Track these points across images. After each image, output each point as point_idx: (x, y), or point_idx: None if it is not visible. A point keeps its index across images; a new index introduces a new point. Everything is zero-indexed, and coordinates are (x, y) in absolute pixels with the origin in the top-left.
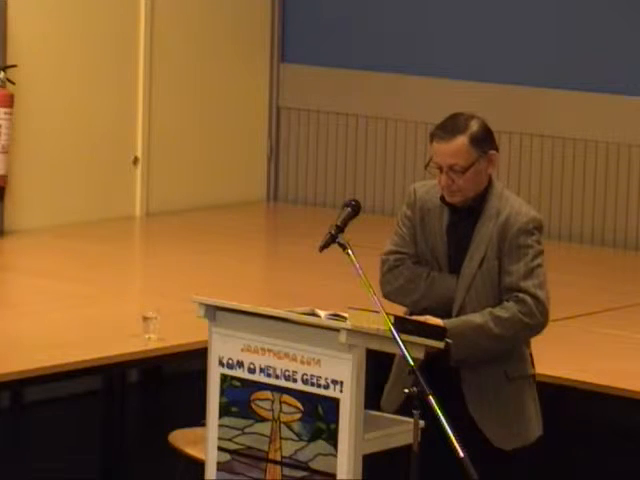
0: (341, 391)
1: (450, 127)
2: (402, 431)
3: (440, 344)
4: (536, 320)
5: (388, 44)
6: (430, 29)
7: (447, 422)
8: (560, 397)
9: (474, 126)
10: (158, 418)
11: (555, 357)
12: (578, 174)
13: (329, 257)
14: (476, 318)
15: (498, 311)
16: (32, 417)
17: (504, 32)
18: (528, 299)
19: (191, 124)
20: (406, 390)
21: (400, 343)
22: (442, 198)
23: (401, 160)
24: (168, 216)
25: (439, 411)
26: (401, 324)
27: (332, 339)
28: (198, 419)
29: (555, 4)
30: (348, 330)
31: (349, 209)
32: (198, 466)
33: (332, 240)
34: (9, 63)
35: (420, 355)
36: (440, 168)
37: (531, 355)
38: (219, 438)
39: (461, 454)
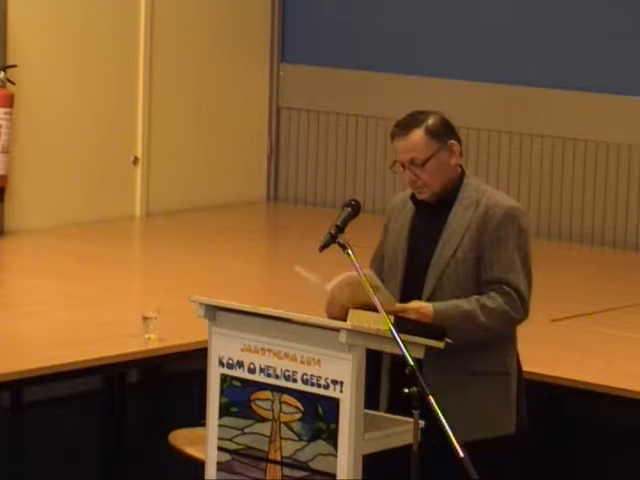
0: (341, 391)
1: (406, 123)
2: (402, 431)
3: (440, 344)
4: (520, 314)
5: (388, 44)
6: (430, 29)
7: (447, 422)
8: (560, 397)
9: (430, 119)
10: (158, 418)
11: (555, 357)
12: (578, 174)
13: (329, 257)
14: (464, 304)
15: (486, 300)
16: (32, 417)
17: (504, 32)
18: (513, 293)
19: (191, 124)
20: (406, 390)
21: (400, 343)
22: (412, 197)
23: None
24: (168, 216)
25: (439, 411)
26: (401, 324)
27: (332, 339)
28: (198, 419)
29: (555, 4)
30: (348, 330)
31: (349, 209)
32: (198, 466)
33: (332, 240)
34: (9, 63)
35: (420, 355)
36: (403, 165)
37: (517, 355)
38: (219, 438)
39: (461, 454)
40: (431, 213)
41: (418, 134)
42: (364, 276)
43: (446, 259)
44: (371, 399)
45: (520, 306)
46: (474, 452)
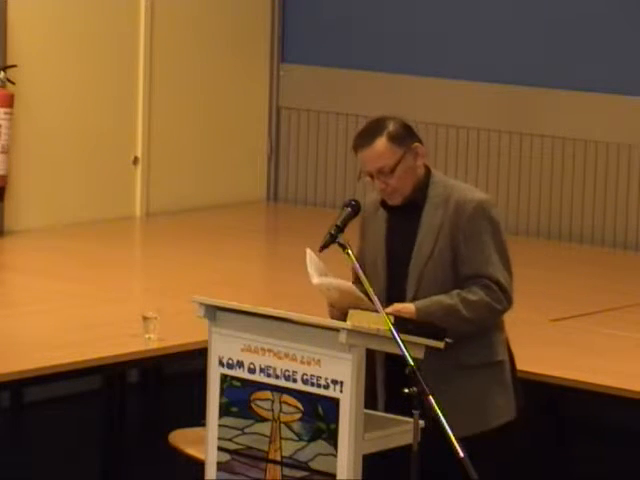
0: (341, 391)
1: (367, 133)
2: (402, 431)
3: (440, 344)
4: (503, 305)
5: (388, 44)
6: (430, 29)
7: (446, 422)
8: (560, 397)
9: (390, 125)
10: (158, 418)
11: (555, 357)
12: (578, 174)
13: (329, 257)
14: (446, 299)
15: (466, 294)
16: (32, 417)
17: (504, 32)
18: (494, 286)
19: (191, 124)
20: (406, 390)
21: (400, 343)
22: (382, 203)
23: None
24: (168, 216)
25: (439, 411)
26: (401, 324)
27: (332, 339)
28: (198, 419)
29: (555, 4)
30: (348, 330)
31: (349, 209)
32: (198, 466)
33: (332, 240)
34: (9, 63)
35: (420, 355)
36: (370, 175)
37: (507, 340)
38: (219, 438)
39: (461, 454)
40: (403, 215)
41: (382, 142)
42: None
43: (424, 260)
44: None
45: (502, 297)
46: (479, 445)
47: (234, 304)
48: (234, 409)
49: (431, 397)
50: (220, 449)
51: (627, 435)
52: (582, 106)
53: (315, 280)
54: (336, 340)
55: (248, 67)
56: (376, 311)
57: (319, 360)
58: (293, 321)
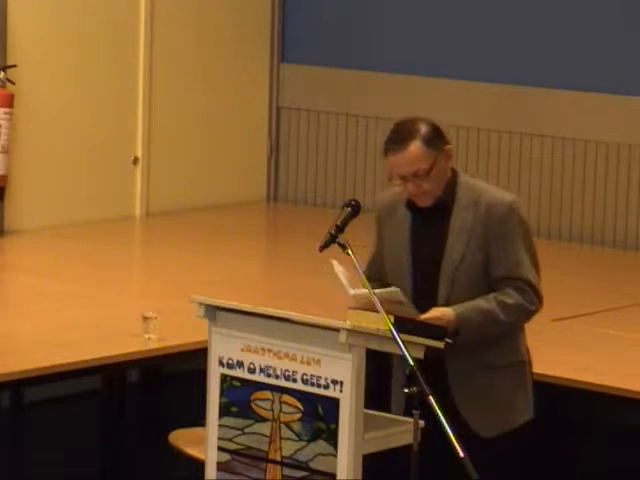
0: (341, 391)
1: (400, 136)
2: (402, 431)
3: (440, 344)
4: (536, 306)
5: (388, 44)
6: (430, 29)
7: (447, 422)
8: (560, 397)
9: (422, 128)
10: (158, 418)
11: (555, 357)
12: (578, 174)
13: (329, 257)
14: (483, 303)
15: (502, 297)
16: (32, 417)
17: (504, 32)
18: (527, 287)
19: (191, 124)
20: (406, 390)
21: (400, 343)
22: (409, 204)
23: None
24: (168, 216)
25: (439, 411)
26: (401, 324)
27: (332, 339)
28: (198, 419)
29: (555, 4)
30: (348, 330)
31: (349, 209)
32: (198, 466)
33: (332, 240)
34: (9, 63)
35: (420, 355)
36: (404, 178)
37: (525, 341)
38: (219, 438)
39: (461, 454)
40: (429, 217)
41: (416, 146)
42: (393, 291)
43: (456, 262)
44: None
45: (535, 298)
46: (498, 445)
47: (234, 304)
48: (234, 409)
49: (431, 397)
50: (220, 449)
51: (627, 435)
52: (582, 106)
53: (352, 292)
54: (336, 340)
55: (248, 67)
56: (414, 314)
57: (319, 360)
58: (293, 321)
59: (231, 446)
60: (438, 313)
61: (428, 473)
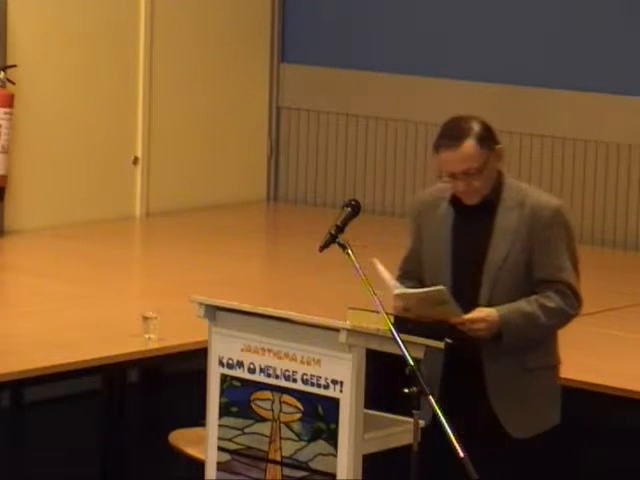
0: (341, 391)
1: (454, 133)
2: (402, 431)
3: (440, 344)
4: (576, 310)
5: (388, 44)
6: (430, 29)
7: (447, 422)
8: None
9: (476, 126)
10: (158, 418)
11: None
12: (578, 174)
13: (329, 257)
14: (526, 306)
15: (544, 300)
16: (32, 417)
17: (504, 32)
18: (568, 291)
19: (191, 124)
20: (406, 390)
21: (400, 343)
22: (453, 201)
23: (401, 160)
24: (168, 216)
25: (439, 411)
26: (401, 324)
27: (332, 339)
28: (198, 419)
29: (555, 4)
30: (348, 330)
31: (349, 209)
32: (198, 466)
33: (332, 240)
34: (9, 63)
35: (420, 355)
36: (453, 176)
37: (557, 346)
38: (219, 438)
39: (461, 454)
40: (473, 216)
41: (470, 144)
42: (437, 290)
43: (499, 263)
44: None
45: (575, 303)
46: (525, 448)
47: (234, 304)
48: (234, 409)
49: (431, 397)
50: (220, 449)
51: (627, 435)
52: (582, 106)
53: (396, 291)
54: (336, 340)
55: (248, 67)
56: (458, 314)
57: (319, 360)
58: (293, 321)
59: (231, 446)
60: (483, 314)
61: (428, 473)
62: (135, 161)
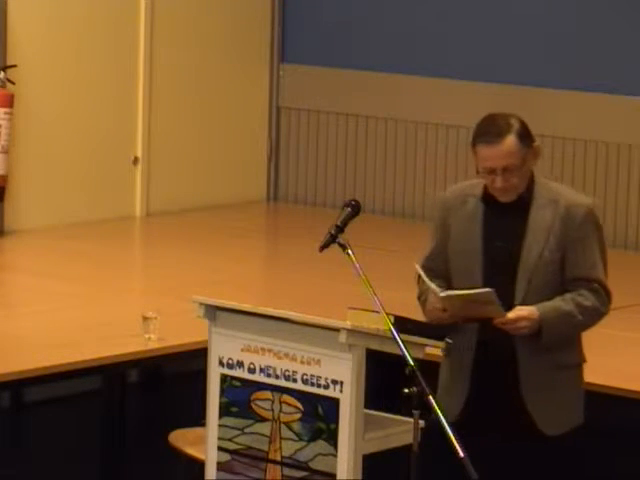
0: (341, 391)
1: (495, 130)
2: (402, 431)
3: (440, 344)
4: (607, 309)
5: (388, 44)
6: (430, 29)
7: (447, 422)
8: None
9: (516, 123)
10: (158, 418)
11: None
12: (578, 174)
13: (329, 257)
14: (563, 304)
15: (580, 298)
16: (32, 417)
17: (504, 32)
18: (601, 289)
19: (191, 124)
20: (406, 390)
21: (400, 343)
22: (485, 198)
23: (401, 160)
24: (168, 216)
25: (439, 411)
26: (401, 324)
27: (332, 339)
28: (198, 419)
29: (555, 5)
30: (348, 330)
31: (349, 209)
32: (198, 466)
33: (332, 240)
34: (9, 63)
35: (420, 355)
36: (492, 172)
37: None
38: (219, 438)
39: (461, 454)
40: (506, 213)
41: (512, 140)
42: (472, 291)
43: (534, 260)
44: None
45: (607, 301)
46: (549, 445)
47: (234, 304)
48: (234, 409)
49: (430, 397)
50: (220, 449)
51: (627, 435)
52: (582, 106)
53: (442, 294)
54: (336, 340)
55: (248, 67)
56: (502, 315)
57: (319, 360)
58: (293, 321)
59: (231, 446)
60: (525, 312)
61: (428, 473)
62: (135, 161)
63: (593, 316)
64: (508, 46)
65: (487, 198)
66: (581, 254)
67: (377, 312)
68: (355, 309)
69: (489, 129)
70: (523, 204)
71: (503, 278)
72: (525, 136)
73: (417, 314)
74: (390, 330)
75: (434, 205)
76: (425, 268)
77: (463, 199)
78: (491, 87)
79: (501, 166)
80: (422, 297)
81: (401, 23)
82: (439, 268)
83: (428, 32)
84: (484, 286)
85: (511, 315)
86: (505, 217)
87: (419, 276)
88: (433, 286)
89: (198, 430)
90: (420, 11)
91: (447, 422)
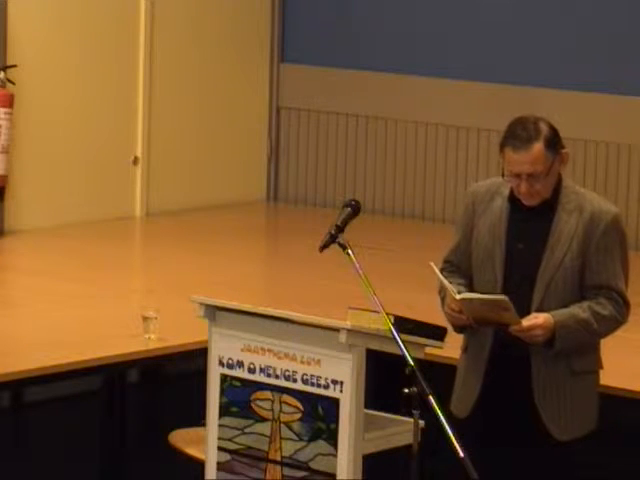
0: (341, 391)
1: (524, 135)
2: (402, 431)
3: (440, 344)
4: (625, 318)
5: (388, 44)
6: (430, 29)
7: (447, 422)
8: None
9: (544, 129)
10: (158, 418)
11: None
12: (578, 174)
13: (329, 257)
14: (580, 312)
15: (597, 307)
16: (32, 417)
17: (504, 32)
18: (619, 299)
19: (191, 124)
20: (406, 390)
21: (400, 343)
22: (512, 199)
23: (401, 160)
24: (168, 216)
25: (439, 411)
26: (401, 324)
27: (332, 339)
28: (198, 419)
29: (555, 4)
30: (348, 330)
31: (349, 209)
32: (198, 466)
33: (332, 240)
34: (9, 63)
35: (420, 355)
36: (518, 176)
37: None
38: (219, 438)
39: (461, 454)
40: (531, 216)
41: (539, 147)
42: (501, 298)
43: (556, 264)
44: None
45: (625, 311)
46: (567, 451)
47: (234, 304)
48: (234, 409)
49: (431, 397)
50: (220, 449)
51: (627, 435)
52: (582, 106)
53: (458, 296)
54: (336, 340)
55: (248, 67)
56: (516, 321)
57: (319, 360)
58: (293, 321)
59: (231, 446)
60: (540, 320)
61: (428, 473)
62: (135, 161)
63: (609, 325)
64: (508, 46)
65: (513, 199)
66: (602, 262)
67: (377, 312)
68: (355, 309)
69: (518, 133)
70: (548, 208)
71: (522, 280)
72: (553, 143)
73: (417, 314)
74: (390, 330)
75: (464, 195)
76: (450, 263)
77: (491, 196)
78: (491, 87)
79: (526, 172)
80: (442, 293)
81: (401, 23)
82: (461, 262)
83: (428, 32)
84: (502, 288)
85: (526, 323)
86: (529, 220)
87: (441, 269)
88: (450, 287)
89: (198, 430)
90: (420, 11)
91: (452, 420)
